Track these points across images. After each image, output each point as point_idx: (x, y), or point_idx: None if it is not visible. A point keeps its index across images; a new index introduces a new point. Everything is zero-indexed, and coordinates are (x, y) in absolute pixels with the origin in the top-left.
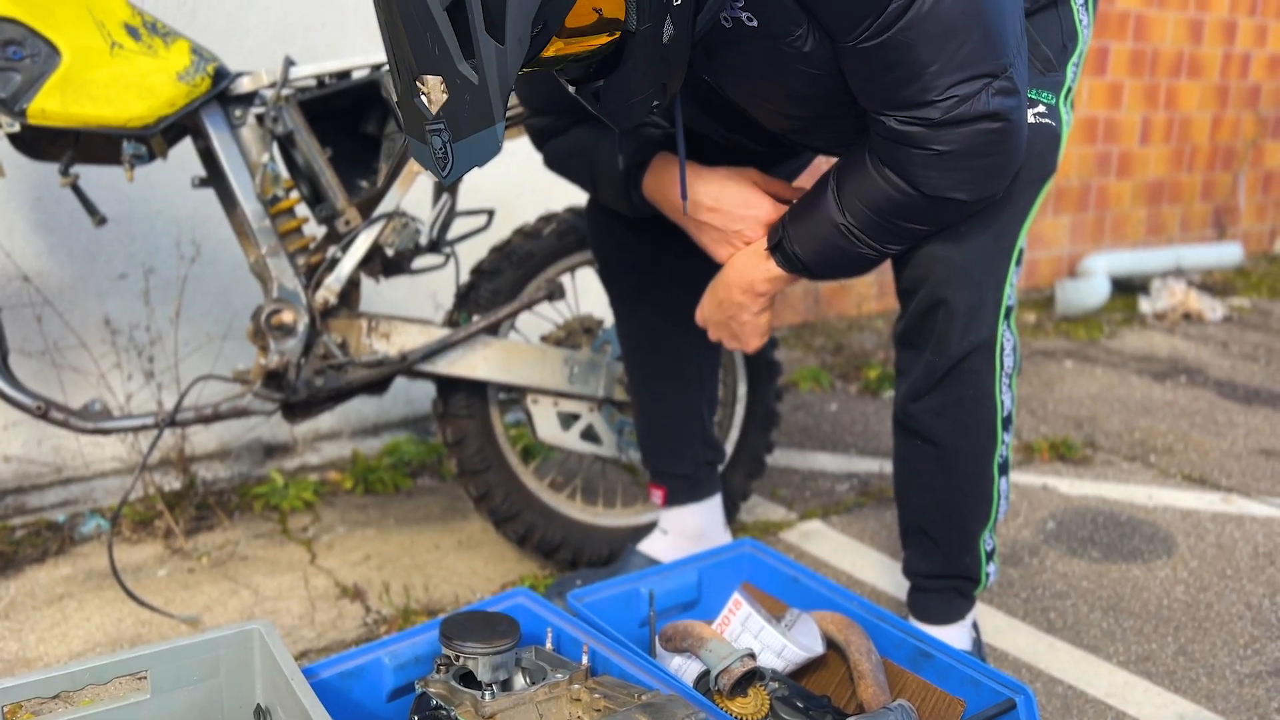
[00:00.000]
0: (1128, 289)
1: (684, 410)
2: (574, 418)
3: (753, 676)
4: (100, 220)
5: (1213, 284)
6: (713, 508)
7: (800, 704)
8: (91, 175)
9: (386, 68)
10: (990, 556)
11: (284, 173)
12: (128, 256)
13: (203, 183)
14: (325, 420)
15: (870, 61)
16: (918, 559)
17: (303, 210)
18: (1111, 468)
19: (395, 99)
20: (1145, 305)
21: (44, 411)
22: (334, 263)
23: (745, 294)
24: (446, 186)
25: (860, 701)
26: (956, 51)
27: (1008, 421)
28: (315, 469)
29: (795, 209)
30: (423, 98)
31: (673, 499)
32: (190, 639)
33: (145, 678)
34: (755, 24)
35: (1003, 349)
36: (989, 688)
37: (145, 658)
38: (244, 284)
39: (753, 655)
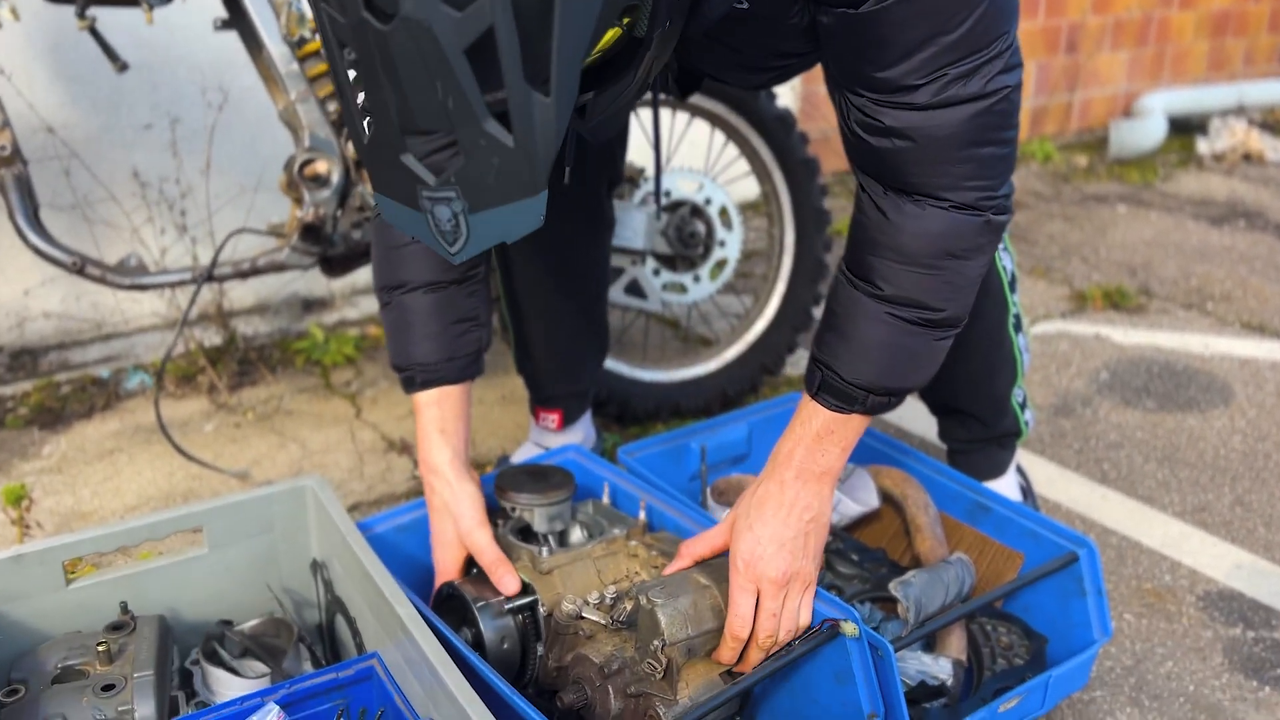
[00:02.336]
0: (1185, 129)
1: (593, 321)
2: (617, 272)
3: None
4: (122, 67)
5: (1275, 122)
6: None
7: (855, 557)
8: (110, 20)
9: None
10: (1024, 406)
11: (310, 12)
12: (152, 106)
13: (224, 25)
14: (363, 274)
15: (864, 32)
16: (954, 428)
17: None
18: (1167, 316)
19: (360, 144)
20: (1203, 146)
21: (80, 267)
22: None
23: (809, 487)
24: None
25: (917, 555)
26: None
27: (1013, 283)
28: (355, 324)
29: (824, 336)
30: (415, 158)
31: (569, 419)
32: (244, 495)
33: (201, 533)
34: (746, 6)
35: None
36: (1049, 541)
37: (201, 514)
38: (274, 133)
39: None
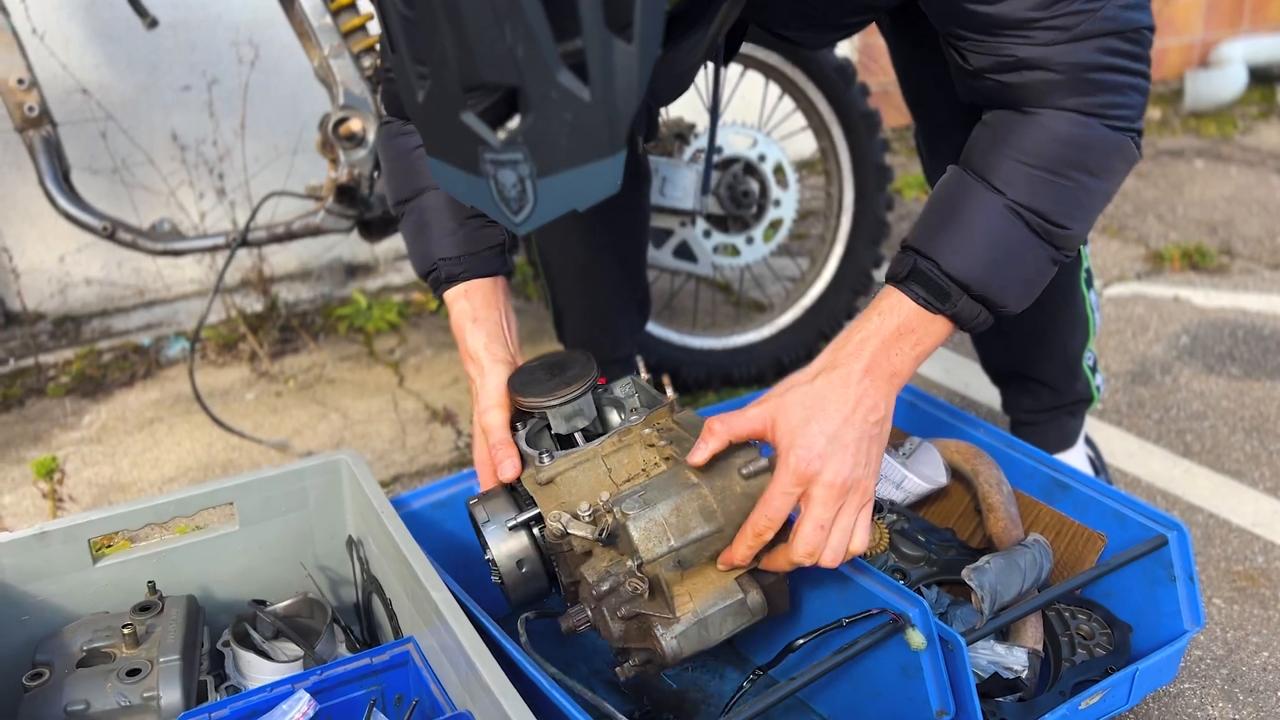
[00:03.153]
0: (1266, 79)
1: (632, 282)
2: (666, 234)
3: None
4: (151, 23)
5: None
6: None
7: (922, 538)
8: None
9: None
10: (1095, 369)
11: None
12: (189, 66)
13: None
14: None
15: None
16: (1020, 397)
17: (367, 5)
18: (1251, 276)
19: (413, 105)
20: None
21: (110, 232)
22: None
23: (879, 387)
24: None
25: (989, 535)
26: None
27: None
28: (399, 289)
29: (926, 224)
30: (475, 116)
31: None
32: (276, 470)
33: (233, 508)
34: None
35: None
36: (1135, 523)
37: (231, 489)
38: (314, 93)
39: None
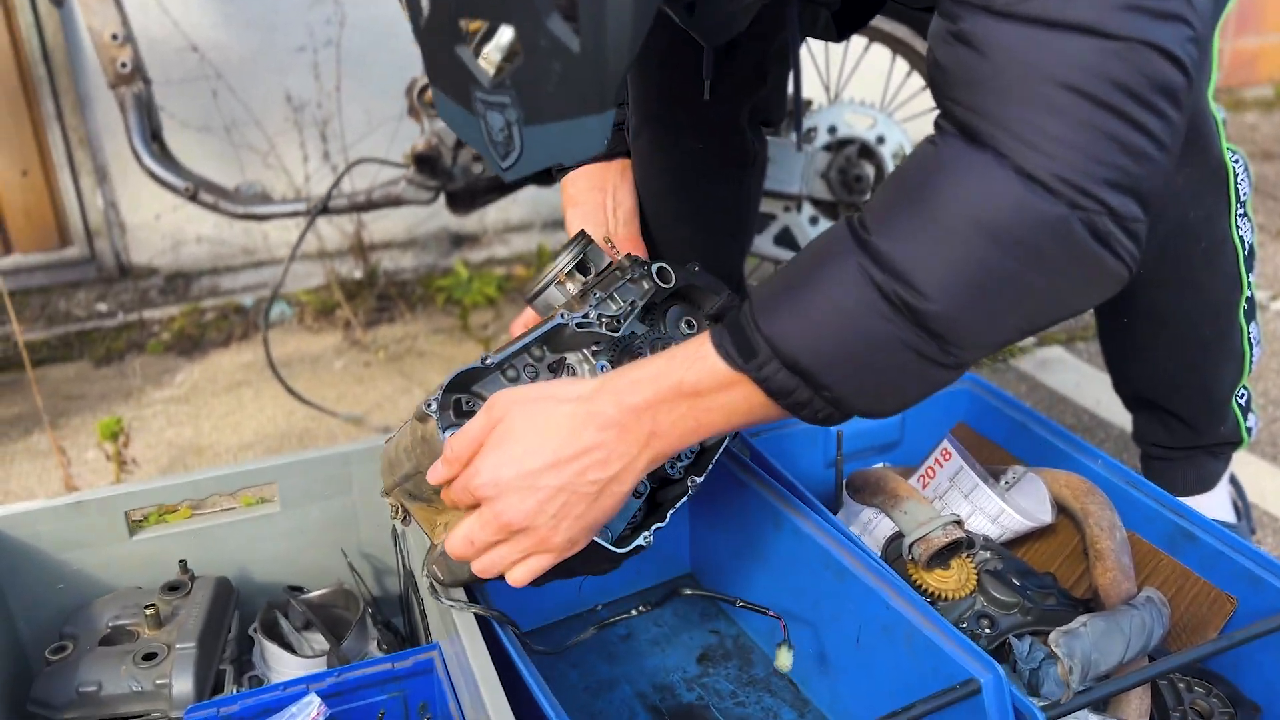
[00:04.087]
0: None
1: (727, 270)
2: (768, 219)
3: (958, 547)
4: None
5: None
6: None
7: (1017, 581)
8: None
9: None
10: (1247, 409)
11: None
12: (305, 26)
13: None
14: (515, 211)
15: None
16: (1153, 429)
17: None
18: None
19: (416, 24)
20: None
21: (193, 193)
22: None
23: (624, 445)
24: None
25: (1095, 586)
26: None
27: (1250, 259)
28: (502, 262)
29: (782, 269)
30: (470, 49)
31: None
32: (318, 452)
33: (274, 489)
34: None
35: (1235, 175)
36: (1273, 587)
37: (273, 469)
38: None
39: (959, 522)
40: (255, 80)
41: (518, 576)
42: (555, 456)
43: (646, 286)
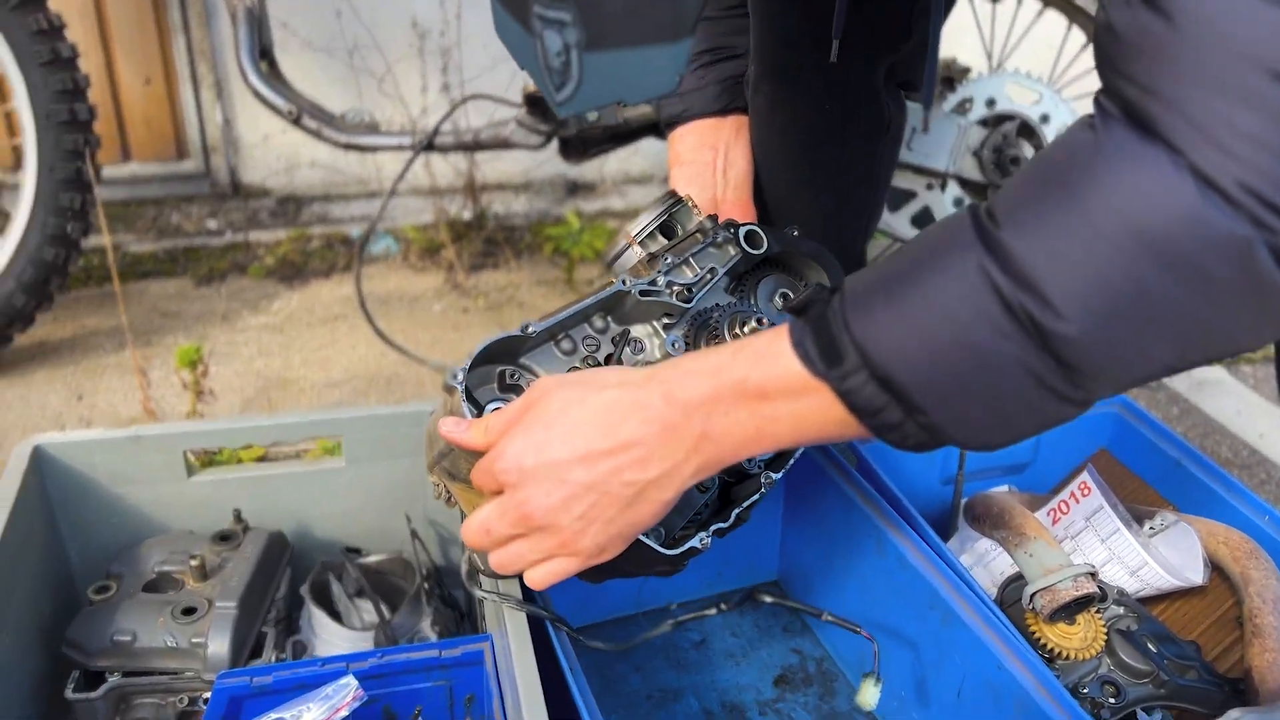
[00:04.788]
0: None
1: (848, 248)
2: (907, 196)
3: (1088, 601)
4: None
5: None
6: None
7: (1153, 647)
8: None
9: None
10: None
11: None
12: None
13: None
14: (636, 163)
15: None
16: None
17: None
18: None
19: None
20: None
21: (296, 117)
22: None
23: (670, 445)
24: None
25: (1249, 667)
26: None
27: None
28: (616, 215)
29: (885, 261)
30: None
31: None
32: (389, 409)
33: (340, 443)
34: None
35: None
36: None
37: (339, 422)
38: None
39: (1093, 574)
40: (379, 3)
41: (536, 578)
42: (587, 448)
43: (732, 252)
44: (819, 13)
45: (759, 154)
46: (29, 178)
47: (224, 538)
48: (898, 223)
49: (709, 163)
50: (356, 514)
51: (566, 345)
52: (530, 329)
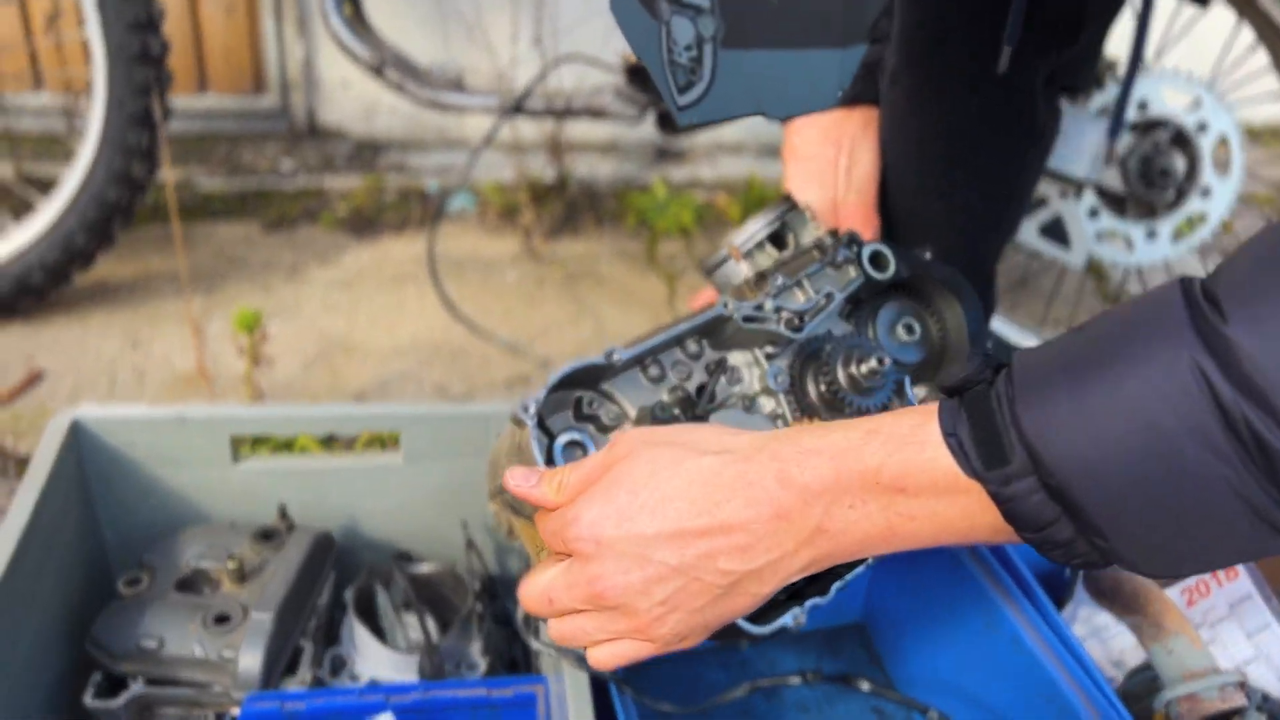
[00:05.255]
0: None
1: (980, 265)
2: (1038, 203)
3: (1234, 714)
4: None
5: None
6: None
7: None
8: None
9: None
10: None
11: None
12: None
13: None
14: (729, 131)
15: None
16: None
17: None
18: None
19: None
20: None
21: (378, 68)
22: None
23: (778, 534)
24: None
25: None
26: None
27: None
28: (705, 186)
29: (1066, 338)
30: None
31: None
32: (454, 407)
33: (399, 440)
34: None
35: None
36: None
37: (399, 418)
38: None
39: (1242, 684)
40: None
41: (601, 658)
42: (679, 525)
43: (853, 275)
44: (978, 4)
45: (888, 154)
46: (97, 111)
47: (267, 536)
48: (1024, 232)
49: (830, 160)
50: (411, 516)
51: (654, 372)
52: (616, 356)
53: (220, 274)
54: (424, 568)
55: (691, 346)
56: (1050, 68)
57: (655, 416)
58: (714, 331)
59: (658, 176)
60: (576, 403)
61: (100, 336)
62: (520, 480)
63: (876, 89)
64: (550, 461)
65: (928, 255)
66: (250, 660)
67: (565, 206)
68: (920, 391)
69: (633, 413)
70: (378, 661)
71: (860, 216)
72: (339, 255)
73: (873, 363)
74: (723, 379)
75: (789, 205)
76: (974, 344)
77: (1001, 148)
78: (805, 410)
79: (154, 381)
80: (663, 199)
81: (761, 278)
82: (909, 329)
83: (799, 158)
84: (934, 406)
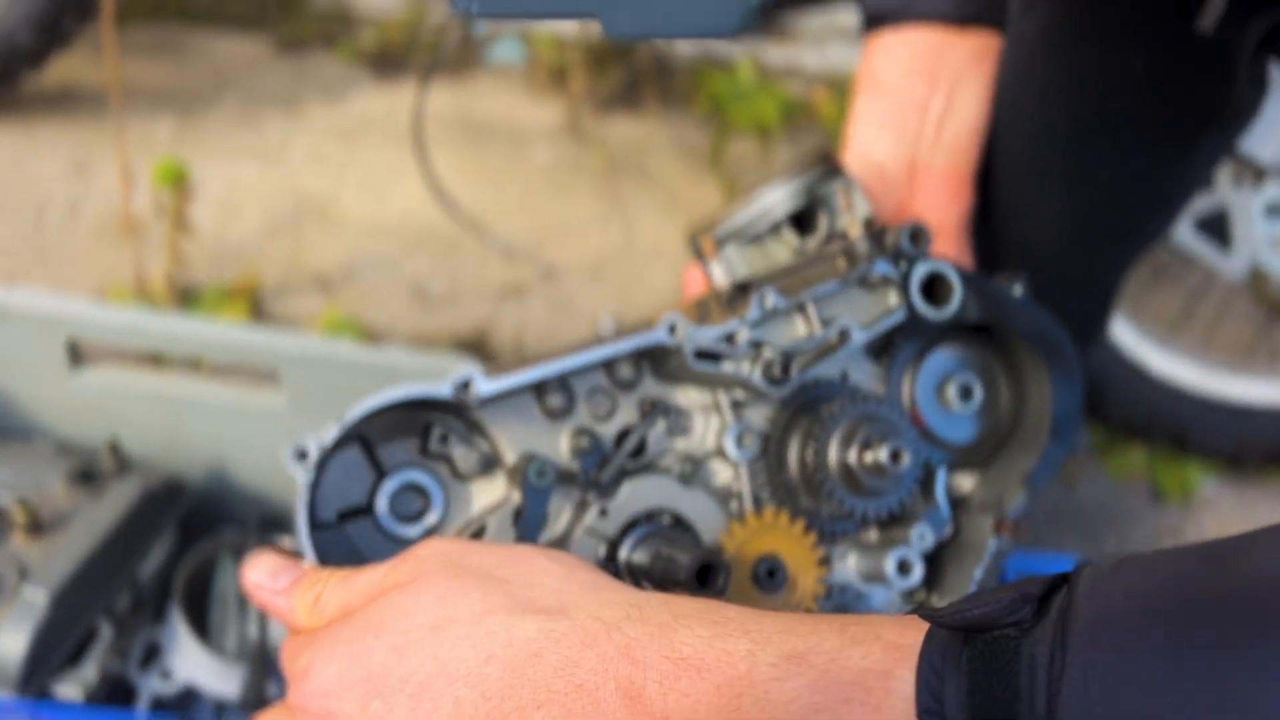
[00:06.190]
0: None
1: (1109, 278)
2: None
3: None
4: None
5: None
6: None
7: None
8: None
9: None
10: None
11: None
12: None
13: None
14: (848, 13)
15: None
16: None
17: None
18: None
19: None
20: None
21: None
22: None
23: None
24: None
25: None
26: None
27: None
28: (804, 76)
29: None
30: None
31: None
32: (350, 350)
33: (278, 380)
34: None
35: None
36: None
37: (279, 354)
38: None
39: None
40: None
41: None
42: (473, 668)
43: (893, 304)
44: None
45: (1004, 110)
46: None
47: (85, 477)
48: (1180, 227)
49: (919, 100)
50: (289, 475)
51: (557, 402)
52: (475, 390)
53: (206, 98)
54: (291, 543)
55: (624, 371)
56: (1271, 24)
57: (531, 477)
58: (661, 361)
59: (747, 55)
60: (426, 431)
61: (44, 154)
62: (265, 578)
63: (1004, 8)
64: (370, 512)
65: (1018, 290)
66: (12, 645)
67: (628, 75)
68: (967, 484)
69: (510, 458)
70: (196, 664)
71: (945, 192)
72: (348, 95)
73: (882, 455)
74: (660, 425)
75: (826, 170)
76: (1057, 435)
77: (1168, 125)
78: (777, 491)
79: (87, 220)
80: (746, 85)
81: (743, 290)
82: (965, 393)
83: (876, 89)
84: (914, 634)
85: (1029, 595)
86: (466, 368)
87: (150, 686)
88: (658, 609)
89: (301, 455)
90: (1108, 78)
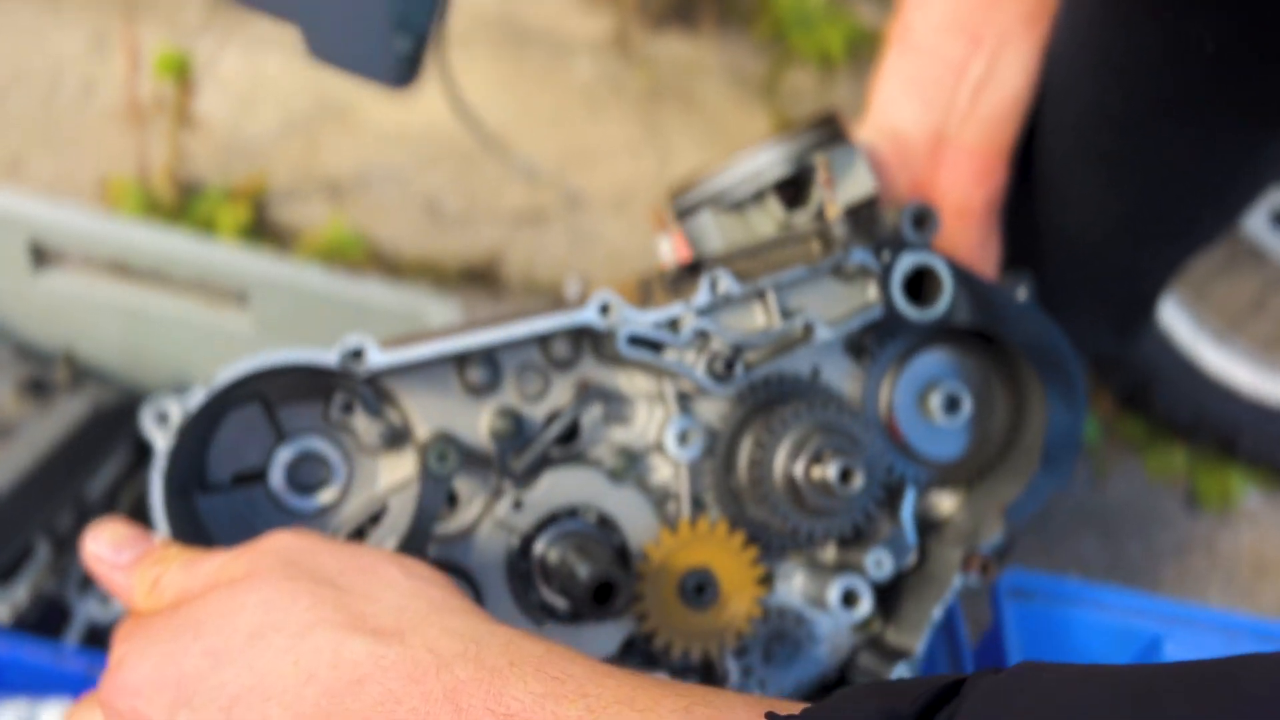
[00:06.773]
0: None
1: (1157, 276)
2: None
3: None
4: None
5: None
6: None
7: None
8: None
9: None
10: None
11: None
12: None
13: None
14: None
15: None
16: None
17: None
18: None
19: None
20: None
21: None
22: None
23: None
24: None
25: None
26: None
27: None
28: (882, 1)
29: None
30: None
31: None
32: (323, 279)
33: (246, 303)
34: None
35: None
36: None
37: (248, 273)
38: None
39: None
40: None
41: None
42: (288, 668)
43: (871, 299)
44: None
45: (1053, 83)
46: None
47: (37, 386)
48: (1254, 219)
49: (957, 62)
50: None
51: (479, 376)
52: (369, 362)
53: None
54: None
55: (560, 349)
56: None
57: (431, 462)
58: (602, 343)
59: None
60: (329, 399)
61: (66, 27)
62: (106, 549)
63: None
64: (260, 485)
65: (1022, 292)
66: None
67: None
68: (947, 505)
69: (423, 433)
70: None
71: (973, 170)
72: None
73: (830, 473)
74: (595, 410)
75: (828, 133)
76: (1049, 463)
77: (1244, 113)
78: (722, 497)
79: (100, 102)
80: (814, 9)
81: (694, 269)
82: (951, 404)
83: (908, 45)
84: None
85: (898, 716)
86: (358, 336)
87: (86, 610)
88: (496, 652)
89: (162, 419)
90: (1172, 55)
